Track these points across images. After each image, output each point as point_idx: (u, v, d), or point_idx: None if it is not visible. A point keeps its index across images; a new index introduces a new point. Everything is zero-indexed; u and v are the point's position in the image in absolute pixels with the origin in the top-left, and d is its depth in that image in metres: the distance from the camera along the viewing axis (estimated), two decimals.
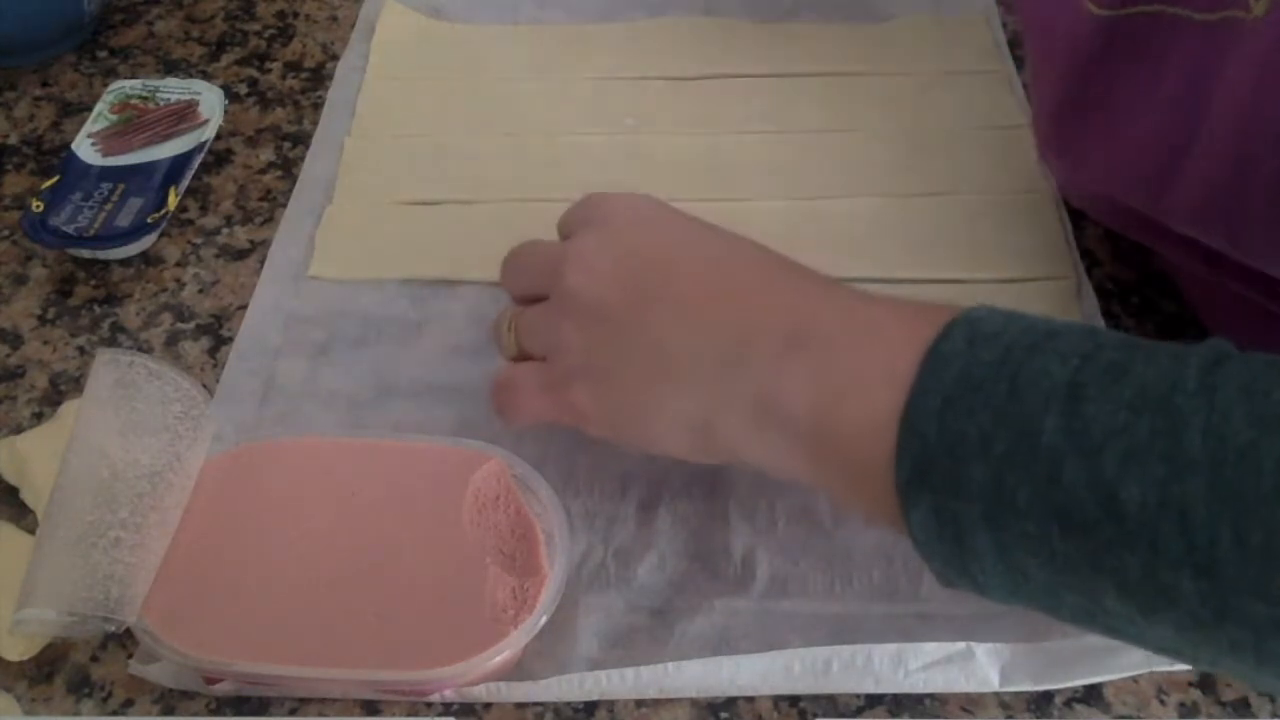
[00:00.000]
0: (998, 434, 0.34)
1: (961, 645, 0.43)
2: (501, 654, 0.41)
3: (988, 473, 0.34)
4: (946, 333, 0.36)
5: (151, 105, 0.65)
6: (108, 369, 0.47)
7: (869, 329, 0.39)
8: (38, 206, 0.59)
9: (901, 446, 0.35)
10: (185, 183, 0.62)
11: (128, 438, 0.45)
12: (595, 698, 0.43)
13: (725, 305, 0.42)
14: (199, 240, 0.60)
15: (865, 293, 0.42)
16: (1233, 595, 0.31)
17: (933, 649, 0.43)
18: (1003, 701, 0.43)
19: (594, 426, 0.45)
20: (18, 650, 0.44)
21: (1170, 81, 0.46)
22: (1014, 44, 0.70)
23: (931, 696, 0.43)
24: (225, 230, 0.61)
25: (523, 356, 0.47)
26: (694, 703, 0.43)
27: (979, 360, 0.35)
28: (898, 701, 0.43)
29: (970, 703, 0.43)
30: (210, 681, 0.43)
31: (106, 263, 0.59)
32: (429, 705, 0.43)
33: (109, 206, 0.59)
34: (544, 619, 0.42)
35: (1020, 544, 0.34)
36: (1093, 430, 0.33)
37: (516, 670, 0.43)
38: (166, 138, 0.63)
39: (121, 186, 0.60)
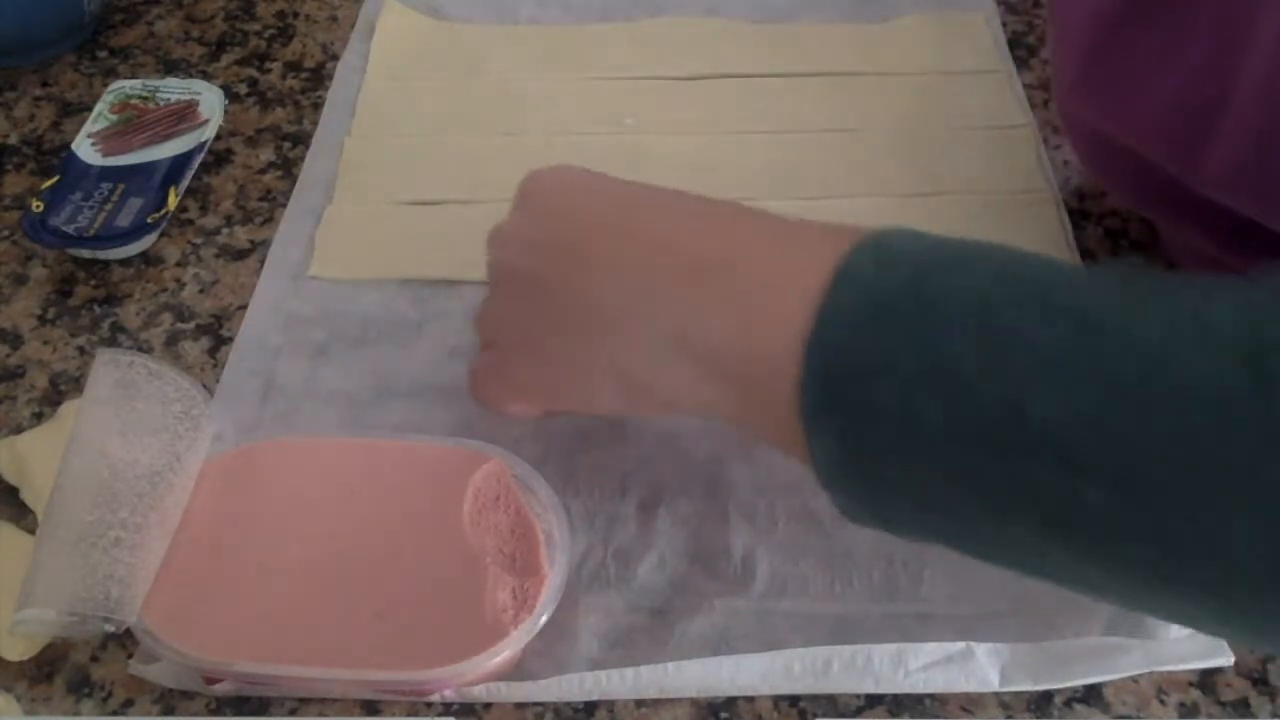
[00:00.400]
0: (905, 354, 0.33)
1: (961, 645, 0.43)
2: (501, 654, 0.41)
3: (896, 394, 0.33)
4: (854, 254, 0.36)
5: (151, 105, 0.65)
6: (108, 369, 0.47)
7: (775, 253, 0.38)
8: (38, 206, 0.59)
9: (808, 371, 0.35)
10: (185, 183, 0.62)
11: (128, 438, 0.45)
12: (595, 698, 0.43)
13: (634, 249, 0.42)
14: (199, 240, 0.60)
15: (774, 216, 0.41)
16: (1141, 509, 0.30)
17: (933, 649, 0.43)
18: (1003, 701, 0.43)
19: (539, 398, 0.46)
20: (18, 650, 0.44)
21: (1198, 40, 0.45)
22: (1014, 44, 0.70)
23: (931, 696, 0.43)
24: (225, 230, 0.61)
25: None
26: (694, 703, 0.43)
27: (887, 280, 0.34)
28: (898, 701, 0.43)
29: (970, 703, 0.43)
30: (210, 681, 0.43)
31: (106, 263, 0.59)
32: (429, 705, 0.43)
33: (109, 206, 0.59)
34: (544, 619, 0.42)
35: (928, 468, 0.33)
36: (1003, 346, 0.32)
37: (516, 670, 0.43)
38: (166, 138, 0.63)
39: (121, 186, 0.60)
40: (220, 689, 0.43)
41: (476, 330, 0.48)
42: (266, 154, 0.65)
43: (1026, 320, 0.32)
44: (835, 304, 0.35)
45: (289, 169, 0.64)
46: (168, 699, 0.43)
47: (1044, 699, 0.43)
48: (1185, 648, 0.43)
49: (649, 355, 0.40)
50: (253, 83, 0.70)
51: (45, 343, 0.56)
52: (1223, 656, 0.43)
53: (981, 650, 0.43)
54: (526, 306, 0.44)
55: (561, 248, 0.43)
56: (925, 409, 0.33)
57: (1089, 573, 0.33)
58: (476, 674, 0.42)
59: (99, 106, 0.65)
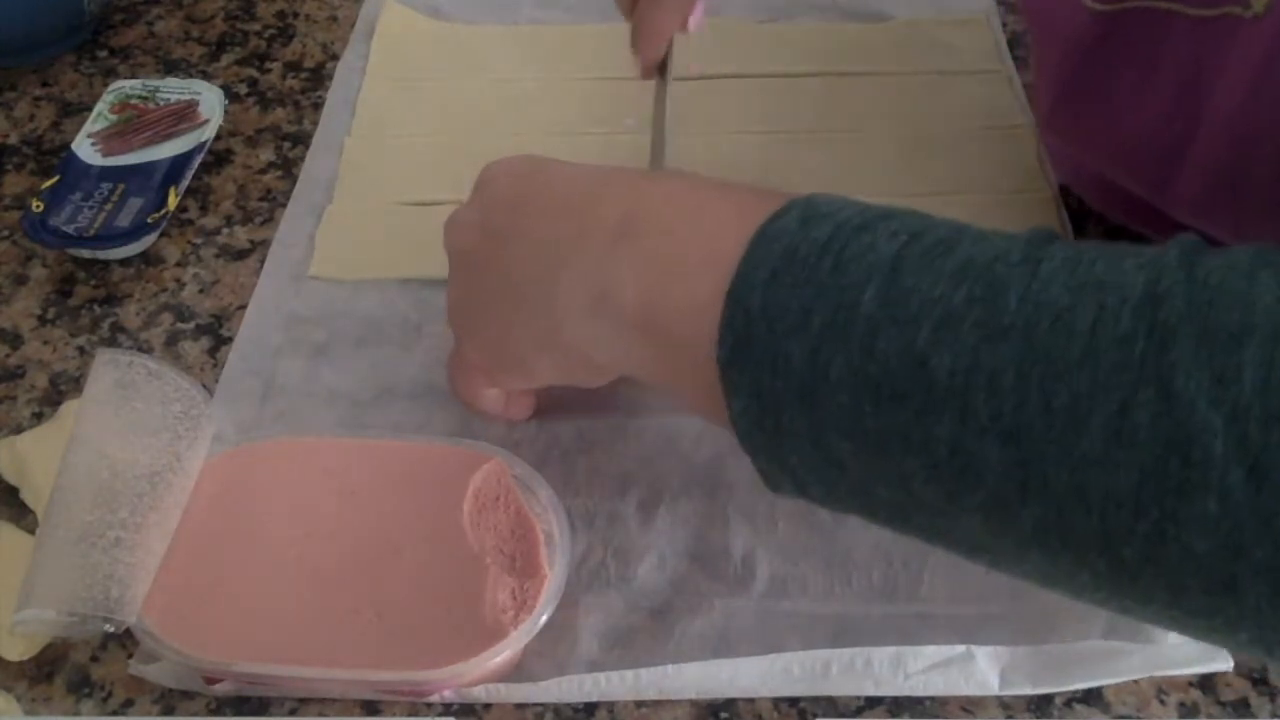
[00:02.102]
0: (818, 307, 0.34)
1: (961, 648, 0.43)
2: (501, 655, 0.41)
3: (805, 347, 0.34)
4: (781, 212, 0.36)
5: (151, 105, 0.65)
6: (108, 369, 0.47)
7: (699, 212, 0.39)
8: (38, 206, 0.59)
9: (725, 323, 0.35)
10: (185, 183, 0.62)
11: (128, 438, 0.45)
12: (595, 699, 0.43)
13: (559, 220, 0.42)
14: (199, 240, 0.60)
15: (702, 177, 0.41)
16: (1036, 463, 0.30)
17: (932, 652, 0.43)
18: (1003, 702, 0.43)
19: (496, 378, 0.47)
20: (18, 650, 0.44)
21: (1168, 74, 0.46)
22: (1014, 44, 0.70)
23: (931, 698, 0.43)
24: (225, 230, 0.61)
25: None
26: (694, 704, 0.43)
27: (808, 237, 0.35)
28: (897, 702, 0.43)
29: (970, 703, 0.43)
30: (210, 681, 0.43)
31: (106, 263, 0.59)
32: (429, 705, 0.43)
33: (109, 206, 0.59)
34: (543, 619, 0.42)
35: (834, 423, 0.34)
36: (911, 300, 0.33)
37: (516, 671, 0.43)
38: (166, 138, 0.63)
39: (121, 186, 0.60)
40: (220, 689, 0.43)
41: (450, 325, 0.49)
42: (266, 154, 0.65)
43: (935, 279, 0.33)
44: (756, 259, 0.35)
45: (289, 169, 0.64)
46: (168, 699, 0.43)
47: (1044, 699, 0.43)
48: (1185, 652, 0.43)
49: (577, 319, 0.41)
50: (253, 83, 0.70)
51: (45, 343, 0.56)
52: (1222, 661, 0.43)
53: (981, 653, 0.43)
54: (469, 289, 0.46)
55: (495, 229, 0.45)
56: (832, 363, 0.33)
57: (1001, 544, 0.33)
58: (476, 675, 0.42)
59: (99, 106, 0.65)
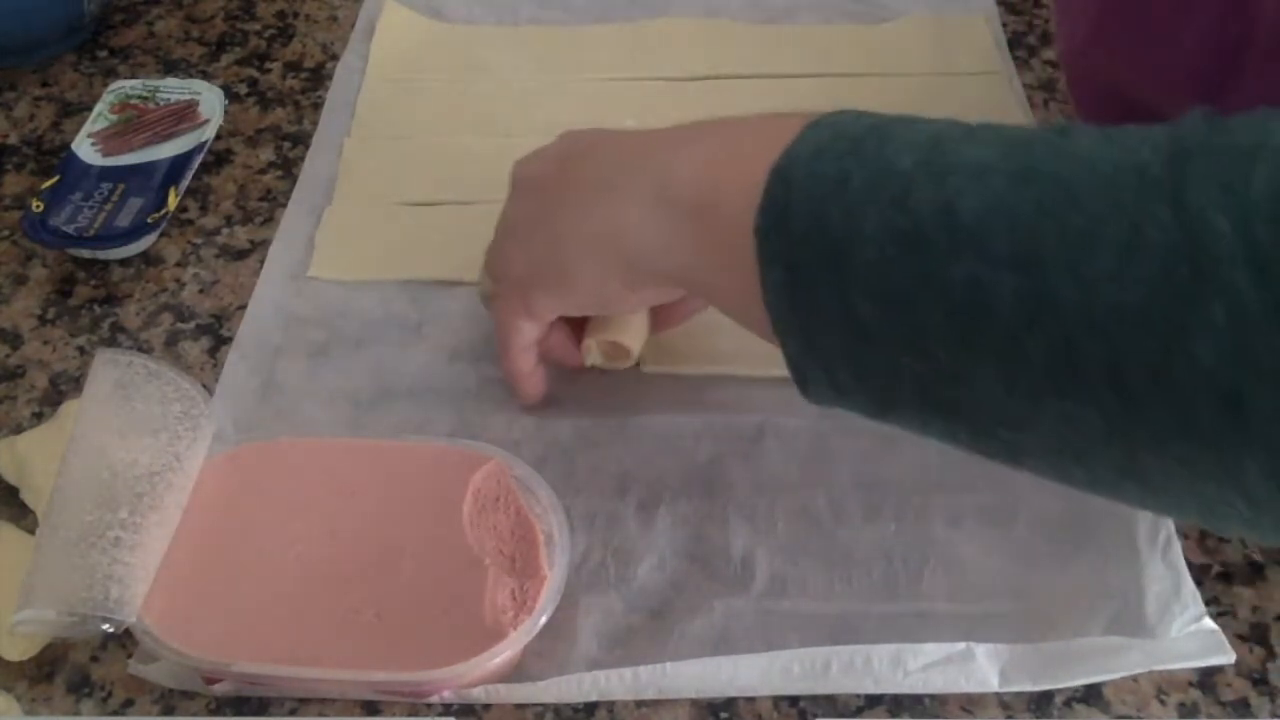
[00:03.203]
0: (857, 172, 0.35)
1: (961, 646, 0.43)
2: (501, 655, 0.41)
3: (841, 207, 0.35)
4: (839, 111, 0.38)
5: (151, 105, 0.65)
6: (107, 369, 0.47)
7: (764, 120, 0.41)
8: (38, 206, 0.59)
9: (766, 194, 0.37)
10: (185, 183, 0.62)
11: (127, 438, 0.45)
12: (594, 698, 0.43)
13: (632, 142, 0.46)
14: (199, 240, 0.60)
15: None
16: (1047, 287, 0.31)
17: (932, 649, 0.43)
18: (1003, 701, 0.43)
19: (529, 299, 0.47)
20: (18, 650, 0.44)
21: None
22: (1014, 44, 0.70)
23: (931, 696, 0.43)
24: (225, 230, 0.61)
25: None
26: (694, 703, 0.43)
27: (859, 124, 0.37)
28: (897, 701, 0.43)
29: (970, 702, 0.43)
30: (210, 681, 0.43)
31: (106, 263, 0.59)
32: (429, 706, 0.43)
33: (109, 206, 0.59)
34: (543, 620, 0.42)
35: (861, 282, 0.35)
36: (947, 161, 0.34)
37: (516, 671, 0.43)
38: (166, 138, 0.63)
39: (121, 186, 0.60)
40: (220, 689, 0.43)
41: (487, 272, 0.50)
42: (266, 154, 0.65)
43: (970, 145, 0.34)
44: (805, 138, 0.37)
45: (289, 169, 0.64)
46: (168, 699, 0.43)
47: (1044, 698, 0.43)
48: (1185, 646, 0.43)
49: (634, 205, 0.43)
50: (253, 83, 0.70)
51: (45, 343, 0.56)
52: (1222, 655, 0.43)
53: (981, 651, 0.43)
54: (532, 204, 0.48)
55: (569, 157, 0.48)
56: (865, 218, 0.35)
57: (1014, 399, 0.33)
58: (476, 675, 0.42)
59: (99, 106, 0.65)
